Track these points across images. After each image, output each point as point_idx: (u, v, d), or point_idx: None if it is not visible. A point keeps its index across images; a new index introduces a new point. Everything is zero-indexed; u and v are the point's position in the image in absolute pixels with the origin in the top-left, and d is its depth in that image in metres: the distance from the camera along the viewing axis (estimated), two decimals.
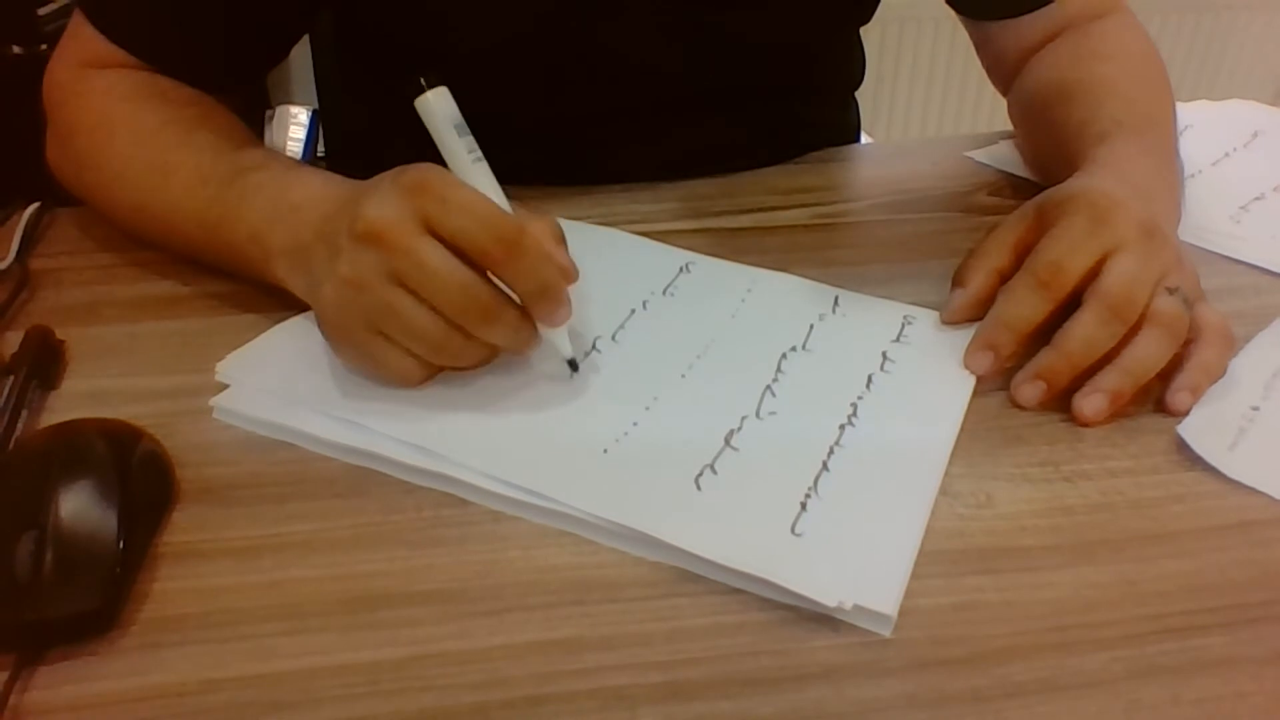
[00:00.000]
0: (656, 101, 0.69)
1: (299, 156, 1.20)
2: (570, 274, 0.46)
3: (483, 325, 0.44)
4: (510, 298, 0.44)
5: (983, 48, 0.74)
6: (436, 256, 0.42)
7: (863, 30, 0.79)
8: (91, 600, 0.37)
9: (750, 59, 0.69)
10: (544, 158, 0.69)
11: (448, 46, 0.66)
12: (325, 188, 0.49)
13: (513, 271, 0.43)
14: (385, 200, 0.43)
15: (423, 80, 0.44)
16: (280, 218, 0.49)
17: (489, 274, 0.43)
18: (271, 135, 1.29)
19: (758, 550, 0.39)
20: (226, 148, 0.55)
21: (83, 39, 0.60)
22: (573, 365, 0.47)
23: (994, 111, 0.75)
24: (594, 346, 0.51)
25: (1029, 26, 0.70)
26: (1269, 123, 0.78)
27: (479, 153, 0.45)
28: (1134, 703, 0.34)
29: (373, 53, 0.74)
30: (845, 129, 0.86)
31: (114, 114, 0.58)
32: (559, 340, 0.47)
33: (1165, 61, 0.66)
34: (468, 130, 0.45)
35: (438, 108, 0.44)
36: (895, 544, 0.40)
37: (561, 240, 0.47)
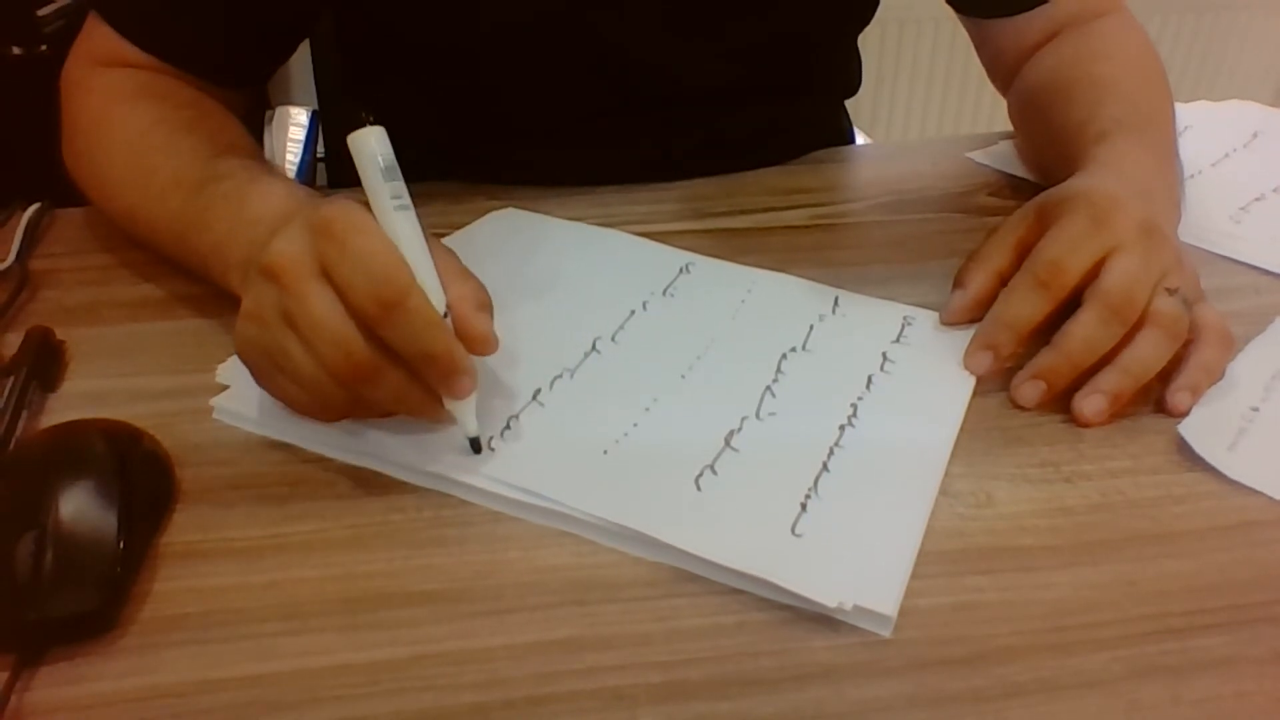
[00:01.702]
0: (656, 100, 0.69)
1: (299, 157, 1.20)
2: (486, 345, 0.43)
3: (359, 384, 0.40)
4: (397, 360, 0.41)
5: (982, 47, 0.75)
6: (322, 305, 0.39)
7: (862, 31, 0.79)
8: (91, 600, 0.37)
9: (750, 59, 0.69)
10: (544, 157, 0.69)
11: (448, 45, 0.66)
12: (284, 203, 0.48)
13: (389, 334, 0.40)
14: (291, 237, 0.41)
15: (365, 116, 0.42)
16: (238, 230, 0.48)
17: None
18: (271, 136, 1.29)
19: (758, 551, 0.39)
20: (206, 153, 0.54)
21: (96, 37, 0.61)
22: (474, 445, 0.43)
23: (994, 112, 0.75)
24: (594, 347, 0.51)
25: (1027, 25, 0.70)
26: (1269, 123, 0.78)
27: (406, 199, 0.42)
28: (1134, 703, 0.34)
29: (373, 53, 0.74)
30: (838, 135, 0.86)
31: (111, 113, 0.59)
32: (460, 413, 0.43)
33: (1165, 61, 0.66)
34: (398, 175, 0.42)
35: (366, 147, 0.41)
36: (895, 544, 0.40)
37: (485, 308, 0.43)
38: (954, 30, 0.76)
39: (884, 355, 0.51)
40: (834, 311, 0.54)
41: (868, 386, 0.48)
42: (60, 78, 0.62)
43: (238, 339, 0.43)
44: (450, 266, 0.44)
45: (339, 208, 0.40)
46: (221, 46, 0.62)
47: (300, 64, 0.75)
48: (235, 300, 0.54)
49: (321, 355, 0.40)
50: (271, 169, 0.54)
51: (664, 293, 0.56)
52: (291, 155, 1.24)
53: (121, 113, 0.58)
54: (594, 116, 0.69)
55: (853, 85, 0.83)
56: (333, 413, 0.43)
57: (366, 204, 0.41)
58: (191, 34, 0.61)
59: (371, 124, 0.41)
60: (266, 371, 0.43)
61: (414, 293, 0.39)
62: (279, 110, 1.37)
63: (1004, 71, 0.73)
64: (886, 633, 0.37)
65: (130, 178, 0.56)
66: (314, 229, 0.40)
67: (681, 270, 0.58)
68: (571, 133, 0.70)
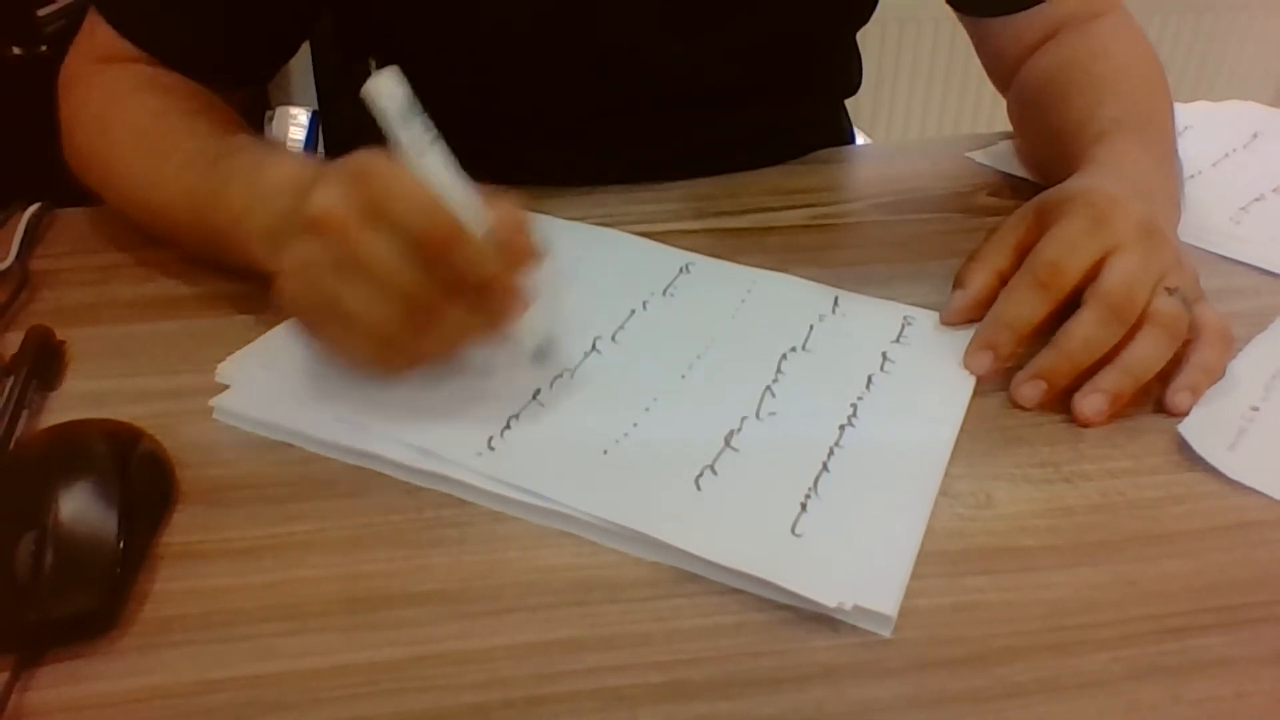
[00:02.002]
0: (656, 100, 0.69)
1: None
2: (529, 258, 0.44)
3: (424, 319, 0.42)
4: (455, 292, 0.42)
5: (981, 46, 0.75)
6: (378, 248, 0.41)
7: (862, 31, 0.79)
8: (91, 600, 0.37)
9: (750, 58, 0.69)
10: (544, 157, 0.69)
11: (448, 45, 0.66)
12: (302, 171, 0.48)
13: (447, 268, 0.41)
14: (329, 189, 0.42)
15: (373, 63, 0.43)
16: (255, 202, 0.49)
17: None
18: (271, 136, 1.29)
19: (758, 551, 0.39)
20: (216, 134, 0.56)
21: (96, 35, 0.61)
22: (538, 356, 0.45)
23: (994, 112, 0.75)
24: (594, 346, 0.51)
25: (1026, 25, 0.70)
26: (1269, 123, 0.78)
27: (430, 137, 0.43)
28: (1134, 703, 0.34)
29: (373, 52, 0.74)
30: (838, 135, 0.86)
31: (116, 106, 0.59)
32: (520, 330, 0.45)
33: (1165, 61, 0.66)
34: (420, 113, 0.43)
35: (384, 91, 0.42)
36: (895, 544, 0.40)
37: (524, 224, 0.44)
38: (954, 30, 0.76)
39: (884, 355, 0.51)
40: (834, 311, 0.54)
41: (868, 386, 0.48)
42: (59, 75, 0.63)
43: (285, 298, 0.44)
44: (483, 190, 0.44)
45: (370, 158, 0.42)
46: (221, 47, 0.62)
47: (300, 64, 0.75)
48: (236, 300, 0.55)
49: (384, 298, 0.41)
50: (278, 146, 0.55)
51: (664, 293, 0.56)
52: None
53: (127, 105, 0.59)
54: (594, 116, 0.69)
55: (852, 85, 0.83)
56: (395, 356, 0.44)
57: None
58: (191, 35, 0.61)
59: (384, 67, 0.42)
60: (321, 325, 0.44)
61: (467, 225, 0.41)
62: (279, 110, 1.37)
63: (1003, 71, 0.73)
64: (886, 633, 0.37)
65: (141, 165, 0.57)
66: (352, 179, 0.42)
67: (681, 270, 0.58)
68: (572, 133, 0.70)
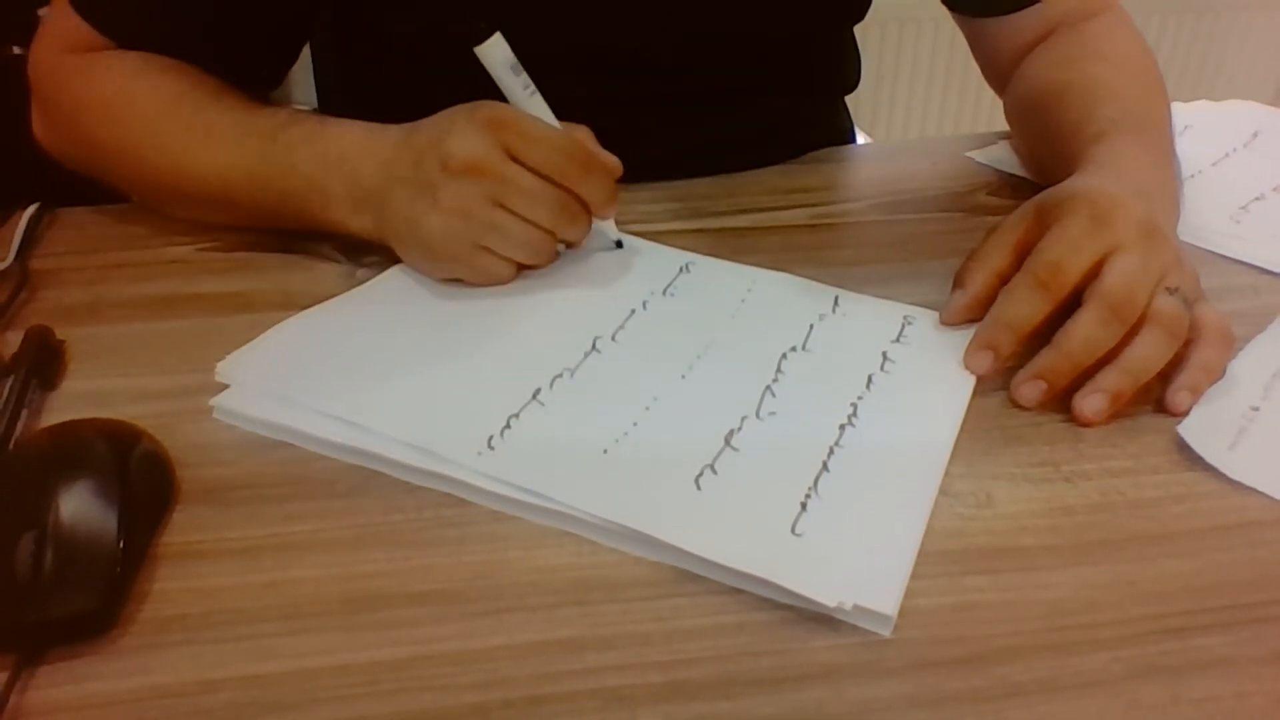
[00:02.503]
0: (655, 99, 0.69)
1: None
2: (619, 169, 0.55)
3: (570, 227, 0.54)
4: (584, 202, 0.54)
5: (976, 46, 0.75)
6: (530, 180, 0.51)
7: (861, 31, 0.79)
8: (91, 600, 0.37)
9: (745, 56, 0.69)
10: None
11: (442, 43, 0.66)
12: (369, 136, 0.56)
13: (588, 187, 0.53)
14: (469, 137, 0.51)
15: (483, 27, 0.52)
16: (333, 167, 0.55)
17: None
18: None
19: (758, 550, 0.39)
20: (255, 107, 0.60)
21: (67, 26, 0.61)
22: (619, 244, 0.59)
23: (993, 111, 0.75)
24: (594, 346, 0.51)
25: (1022, 24, 0.70)
26: (1269, 123, 0.78)
27: (532, 87, 0.54)
28: (1134, 703, 0.34)
29: (369, 50, 0.74)
30: (839, 133, 0.86)
31: (131, 88, 0.60)
32: (608, 228, 0.58)
33: (1165, 61, 0.66)
34: (522, 69, 0.53)
35: (493, 52, 0.53)
36: (895, 544, 0.40)
37: (596, 142, 0.56)
38: (954, 30, 0.76)
39: (884, 355, 0.51)
40: (834, 311, 0.54)
41: (868, 386, 0.48)
42: (30, 69, 0.63)
43: (438, 237, 0.52)
44: (563, 123, 0.55)
45: (496, 108, 0.52)
46: (209, 52, 0.62)
47: (300, 64, 0.75)
48: (236, 300, 0.55)
49: (543, 216, 0.53)
50: (324, 116, 0.59)
51: (664, 292, 0.56)
52: None
53: (146, 84, 0.60)
54: (593, 116, 0.69)
55: (851, 82, 0.83)
56: (540, 258, 0.55)
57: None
58: (176, 38, 0.61)
59: (488, 33, 0.52)
60: (468, 255, 0.53)
61: (595, 152, 0.54)
62: None
63: (999, 71, 0.73)
64: (887, 633, 0.37)
65: (179, 137, 0.59)
66: (486, 127, 0.51)
67: (681, 270, 0.58)
68: None
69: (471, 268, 0.54)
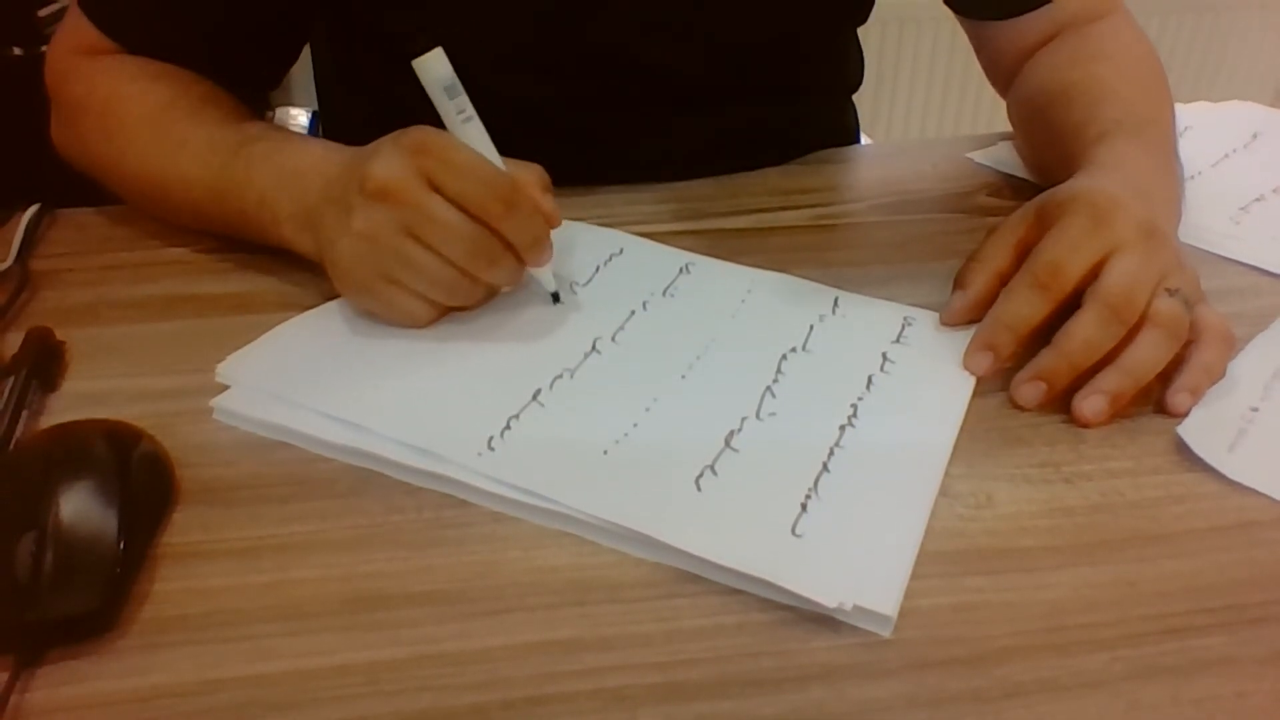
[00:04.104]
0: (656, 100, 0.69)
1: None
2: (555, 219, 0.51)
3: (487, 269, 0.49)
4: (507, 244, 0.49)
5: (980, 48, 0.74)
6: (445, 211, 0.47)
7: (862, 31, 0.80)
8: (91, 600, 0.37)
9: (747, 57, 0.69)
10: (542, 157, 0.69)
11: (443, 46, 0.66)
12: (324, 155, 0.53)
13: (510, 226, 0.48)
14: (391, 160, 0.47)
15: (420, 43, 0.48)
16: (285, 183, 0.53)
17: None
18: None
19: (758, 551, 0.39)
20: (232, 120, 0.59)
21: (79, 29, 0.62)
22: (555, 297, 0.53)
23: (994, 112, 0.75)
24: (594, 347, 0.51)
25: (1026, 27, 0.70)
26: (1269, 124, 0.78)
27: (470, 111, 0.49)
28: (1134, 703, 0.34)
29: (367, 52, 0.74)
30: (844, 132, 0.86)
31: (124, 92, 0.60)
32: (544, 277, 0.53)
33: (1165, 61, 0.66)
34: (460, 91, 0.49)
35: (430, 69, 0.48)
36: (895, 545, 0.40)
37: (548, 187, 0.52)
38: (954, 30, 0.76)
39: (884, 355, 0.51)
40: (834, 312, 0.54)
41: (868, 387, 0.48)
42: (46, 71, 0.63)
43: (345, 262, 0.49)
44: (506, 158, 0.51)
45: (426, 132, 0.48)
46: (209, 54, 0.62)
47: (300, 64, 0.75)
48: (236, 300, 0.55)
49: (453, 252, 0.48)
50: (292, 132, 0.58)
51: (664, 293, 0.56)
52: None
53: (136, 90, 0.60)
54: (593, 117, 0.69)
55: (854, 81, 0.83)
56: (439, 309, 0.51)
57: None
58: (177, 39, 0.61)
59: (426, 49, 0.48)
60: (378, 287, 0.49)
61: (522, 190, 0.49)
62: (279, 111, 1.37)
63: (1003, 73, 0.73)
64: (886, 633, 0.37)
65: (156, 147, 0.59)
66: (410, 151, 0.47)
67: (681, 270, 0.58)
68: (571, 133, 0.70)
69: (380, 301, 0.50)
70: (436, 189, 0.47)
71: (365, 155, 0.49)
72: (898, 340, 0.52)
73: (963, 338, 0.51)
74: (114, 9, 0.61)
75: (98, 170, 0.62)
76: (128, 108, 0.60)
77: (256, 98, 0.67)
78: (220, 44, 0.62)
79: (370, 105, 0.75)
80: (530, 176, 0.51)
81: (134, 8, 0.61)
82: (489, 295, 0.52)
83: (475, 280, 0.50)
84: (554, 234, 0.58)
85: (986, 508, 0.42)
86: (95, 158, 0.61)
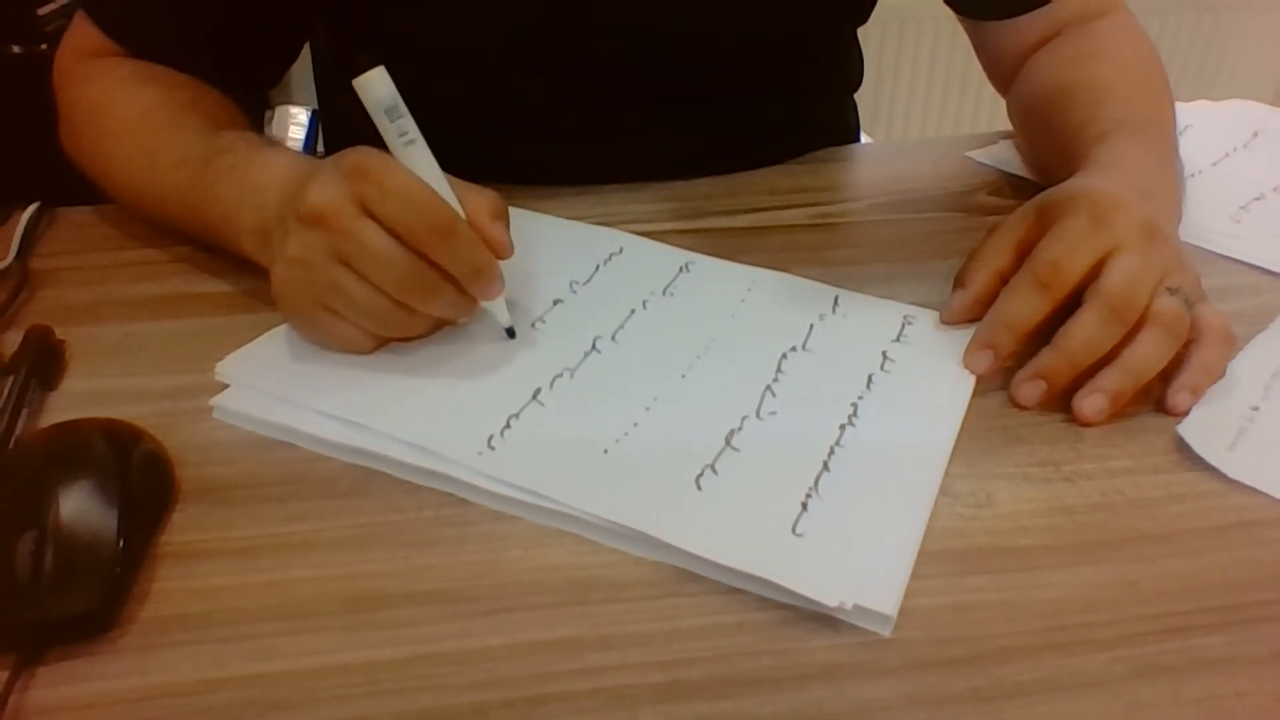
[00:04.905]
0: (655, 99, 0.69)
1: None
2: (504, 249, 0.48)
3: (424, 301, 0.46)
4: (448, 274, 0.46)
5: (981, 48, 0.74)
6: (377, 239, 0.44)
7: (862, 30, 0.79)
8: (91, 600, 0.37)
9: (747, 57, 0.69)
10: (544, 157, 0.69)
11: (440, 46, 0.66)
12: (286, 169, 0.51)
13: (447, 257, 0.45)
14: (326, 184, 0.45)
15: (361, 61, 0.45)
16: (246, 198, 0.52)
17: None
18: (271, 135, 1.29)
19: (758, 550, 0.39)
20: (208, 129, 0.57)
21: (84, 31, 0.62)
22: (510, 333, 0.50)
23: (994, 111, 0.75)
24: (594, 346, 0.51)
25: (1027, 26, 0.70)
26: (1269, 123, 0.78)
27: (413, 134, 0.46)
28: (1134, 703, 0.34)
29: (368, 53, 0.74)
30: (844, 130, 0.86)
31: (111, 97, 0.60)
32: (497, 311, 0.50)
33: (1165, 61, 0.66)
34: (403, 112, 0.46)
35: (370, 90, 0.45)
36: (895, 544, 0.40)
37: (501, 214, 0.49)
38: (954, 30, 0.76)
39: (884, 355, 0.51)
40: (834, 311, 0.54)
41: (868, 386, 0.48)
42: (53, 71, 0.64)
43: (281, 287, 0.47)
44: (459, 183, 0.48)
45: (364, 154, 0.45)
46: (208, 50, 0.62)
47: (300, 64, 0.75)
48: (236, 300, 0.55)
49: (386, 282, 0.45)
50: (267, 141, 0.56)
51: (664, 292, 0.56)
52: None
53: (123, 95, 0.60)
54: (594, 116, 0.69)
55: (854, 80, 0.83)
56: (379, 338, 0.48)
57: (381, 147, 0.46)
58: (177, 38, 0.62)
59: (368, 67, 0.45)
60: (311, 313, 0.47)
61: (459, 219, 0.45)
62: (279, 110, 1.37)
63: (1003, 72, 0.73)
64: (886, 632, 0.37)
65: (136, 156, 0.58)
66: (347, 175, 0.45)
67: (681, 270, 0.58)
68: (571, 132, 0.70)
69: (318, 328, 0.48)
70: (372, 215, 0.44)
71: (308, 176, 0.47)
72: (898, 339, 0.52)
73: (963, 337, 0.51)
74: (114, 10, 0.62)
75: (91, 173, 0.62)
76: (114, 113, 0.60)
77: (256, 97, 0.67)
78: (219, 44, 0.62)
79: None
80: (480, 203, 0.47)
81: (133, 8, 0.62)
82: (434, 326, 0.50)
83: (412, 311, 0.47)
84: (553, 234, 0.58)
85: (986, 507, 0.42)
86: (87, 160, 0.62)
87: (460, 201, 0.47)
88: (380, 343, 0.49)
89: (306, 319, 0.48)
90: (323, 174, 0.46)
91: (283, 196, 0.49)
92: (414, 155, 0.46)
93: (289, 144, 1.29)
